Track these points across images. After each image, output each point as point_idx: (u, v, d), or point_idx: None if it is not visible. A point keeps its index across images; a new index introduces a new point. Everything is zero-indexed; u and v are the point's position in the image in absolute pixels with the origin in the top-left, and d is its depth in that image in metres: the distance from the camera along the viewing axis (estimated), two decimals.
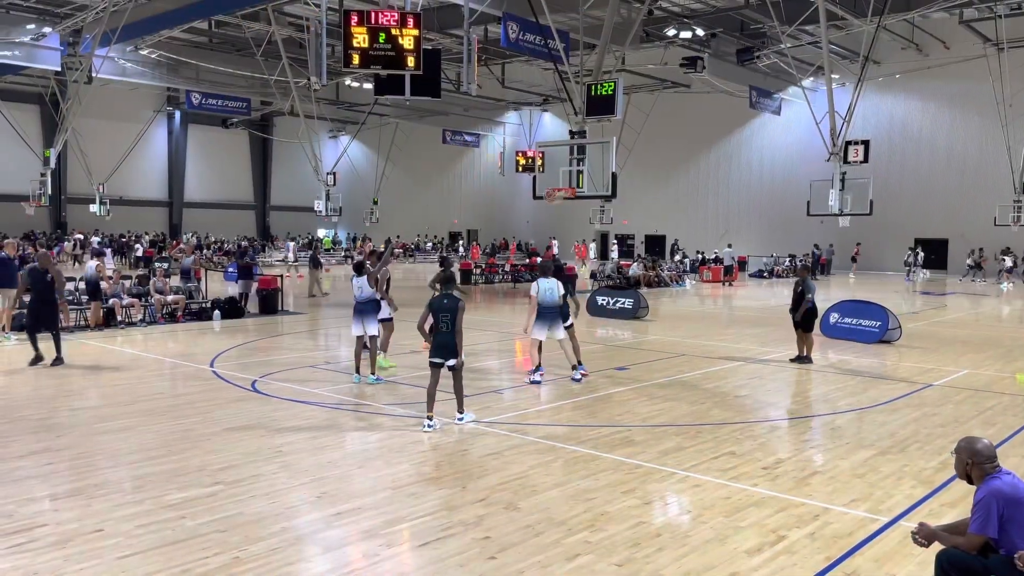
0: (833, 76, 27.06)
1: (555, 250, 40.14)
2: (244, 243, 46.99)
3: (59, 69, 32.01)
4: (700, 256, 38.97)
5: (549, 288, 11.16)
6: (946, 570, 4.24)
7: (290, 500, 6.37)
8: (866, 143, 26.26)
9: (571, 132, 23.46)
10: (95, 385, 11.22)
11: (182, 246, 37.79)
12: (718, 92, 37.42)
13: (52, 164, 34.70)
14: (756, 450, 7.97)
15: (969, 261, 35.84)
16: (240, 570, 5.03)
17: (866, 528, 5.89)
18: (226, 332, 15.11)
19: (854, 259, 39.59)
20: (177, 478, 6.86)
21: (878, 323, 15.94)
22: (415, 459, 7.53)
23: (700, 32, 31.94)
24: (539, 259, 24.86)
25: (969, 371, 12.73)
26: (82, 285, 17.14)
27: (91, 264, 16.69)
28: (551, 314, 11.18)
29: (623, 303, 19.95)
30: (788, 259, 38.47)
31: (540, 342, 11.36)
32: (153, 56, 34.83)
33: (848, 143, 25.45)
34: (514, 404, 10.21)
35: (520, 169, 42.97)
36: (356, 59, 14.04)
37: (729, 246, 38.31)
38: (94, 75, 31.31)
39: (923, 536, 4.35)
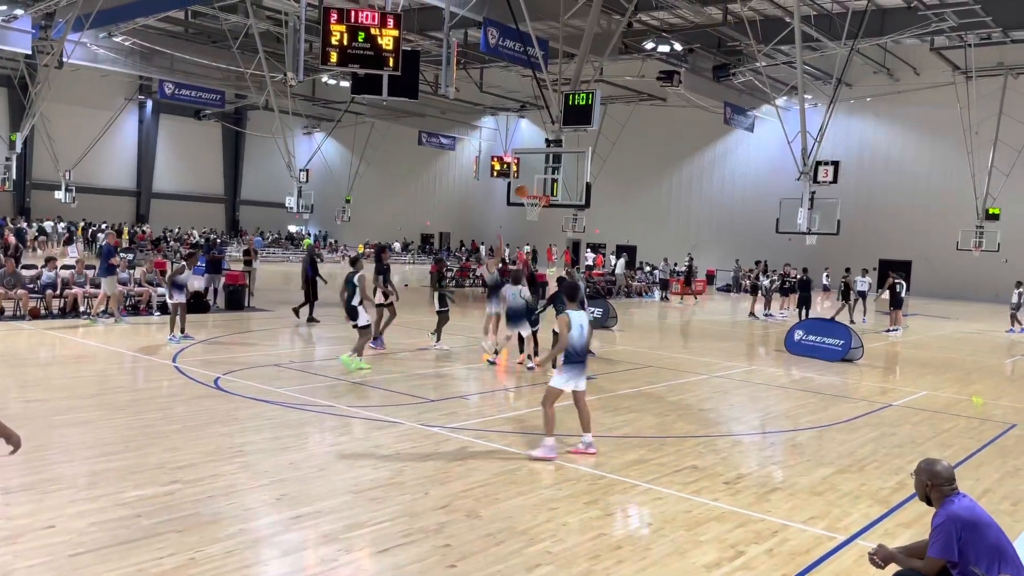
0: (806, 96, 27.49)
1: (525, 256, 40.15)
2: (212, 236, 46.40)
3: (29, 52, 31.38)
4: (673, 268, 39.20)
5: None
6: None
7: (249, 501, 6.28)
8: (835, 164, 26.63)
9: (547, 140, 23.49)
10: (53, 377, 11.00)
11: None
12: (694, 107, 37.84)
13: (18, 148, 33.99)
14: (718, 464, 8.04)
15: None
16: (195, 572, 4.95)
17: (823, 546, 5.96)
18: (190, 327, 14.89)
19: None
20: (134, 475, 6.74)
21: (841, 342, 16.17)
22: (378, 463, 7.48)
23: (678, 47, 32.28)
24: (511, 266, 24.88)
25: (928, 392, 12.96)
26: (50, 274, 16.98)
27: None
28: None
29: (592, 312, 19.98)
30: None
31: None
32: (126, 43, 34.29)
33: (818, 163, 25.78)
34: (480, 411, 10.19)
35: (495, 174, 42.98)
36: (334, 57, 13.94)
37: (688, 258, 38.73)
38: (65, 60, 30.74)
39: (880, 557, 4.38)
